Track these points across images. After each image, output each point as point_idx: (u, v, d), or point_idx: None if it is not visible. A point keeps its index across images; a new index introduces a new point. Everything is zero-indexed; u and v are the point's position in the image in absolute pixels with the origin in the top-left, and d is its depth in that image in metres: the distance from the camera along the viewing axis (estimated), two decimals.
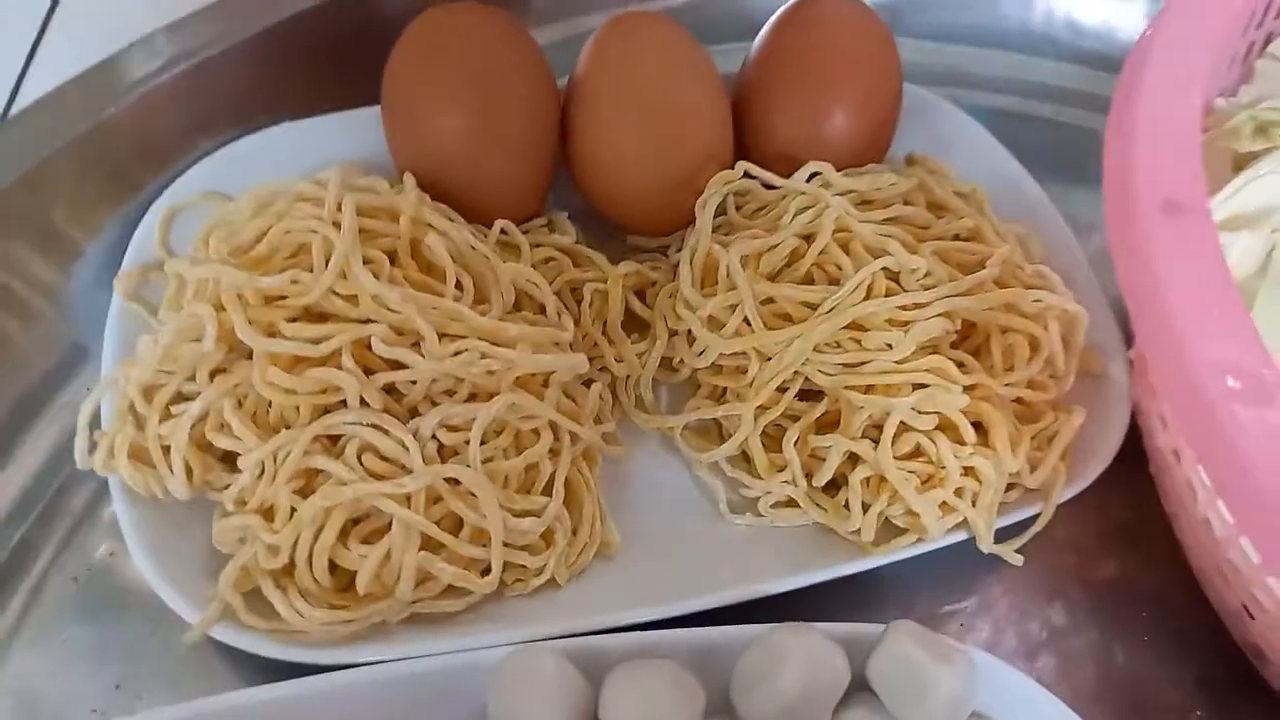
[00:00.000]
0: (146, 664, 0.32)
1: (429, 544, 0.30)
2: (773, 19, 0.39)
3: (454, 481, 0.30)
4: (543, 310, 0.35)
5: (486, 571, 0.30)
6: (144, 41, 0.42)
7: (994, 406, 0.32)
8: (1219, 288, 0.25)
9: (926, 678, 0.25)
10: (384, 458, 0.30)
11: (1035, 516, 0.33)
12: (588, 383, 0.35)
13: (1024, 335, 0.33)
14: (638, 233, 0.39)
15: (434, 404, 0.31)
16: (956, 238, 0.36)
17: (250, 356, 0.30)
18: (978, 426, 0.32)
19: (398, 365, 0.30)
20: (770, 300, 0.34)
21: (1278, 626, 0.28)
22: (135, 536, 0.30)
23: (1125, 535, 0.35)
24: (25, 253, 0.38)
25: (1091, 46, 0.50)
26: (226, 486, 0.31)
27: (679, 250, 0.37)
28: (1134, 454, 0.33)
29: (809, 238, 0.34)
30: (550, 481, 0.32)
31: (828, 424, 0.33)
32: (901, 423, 0.32)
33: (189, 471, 0.31)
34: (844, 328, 0.32)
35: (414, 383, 0.31)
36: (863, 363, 0.32)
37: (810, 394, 0.34)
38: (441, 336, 0.31)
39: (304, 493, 0.30)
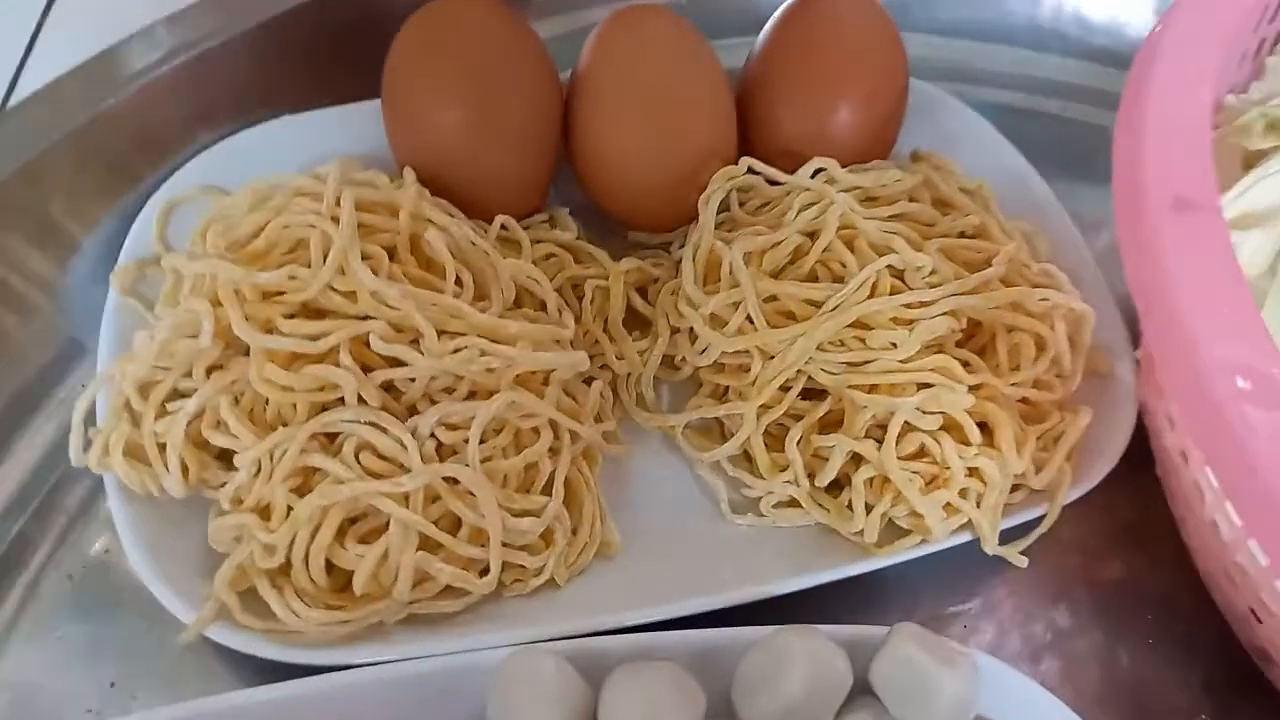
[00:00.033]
0: (142, 663, 0.31)
1: (427, 544, 0.29)
2: (778, 13, 0.39)
3: (453, 480, 0.30)
4: (543, 307, 0.35)
5: (485, 572, 0.30)
6: (143, 33, 0.42)
7: (999, 406, 0.32)
8: (1230, 286, 0.24)
9: (930, 681, 0.25)
10: (382, 456, 0.30)
11: (1040, 518, 0.32)
12: (588, 380, 0.34)
13: (1030, 334, 0.33)
14: (640, 229, 0.39)
15: (433, 402, 0.31)
16: (962, 235, 0.36)
17: (247, 353, 0.30)
18: (983, 427, 0.32)
19: (396, 362, 0.30)
20: (773, 298, 0.33)
21: None
22: (130, 535, 0.30)
23: (1131, 536, 0.35)
24: (22, 246, 0.38)
25: (1099, 42, 0.50)
26: (223, 484, 0.30)
27: (681, 247, 0.37)
28: (1140, 454, 0.33)
29: (813, 235, 0.34)
30: (550, 481, 0.32)
31: (831, 423, 0.33)
32: (906, 423, 0.31)
33: (185, 469, 0.30)
34: (848, 326, 0.32)
35: (413, 380, 0.30)
36: (867, 362, 0.32)
37: (813, 393, 0.33)
38: (441, 334, 0.31)
39: (301, 491, 0.29)
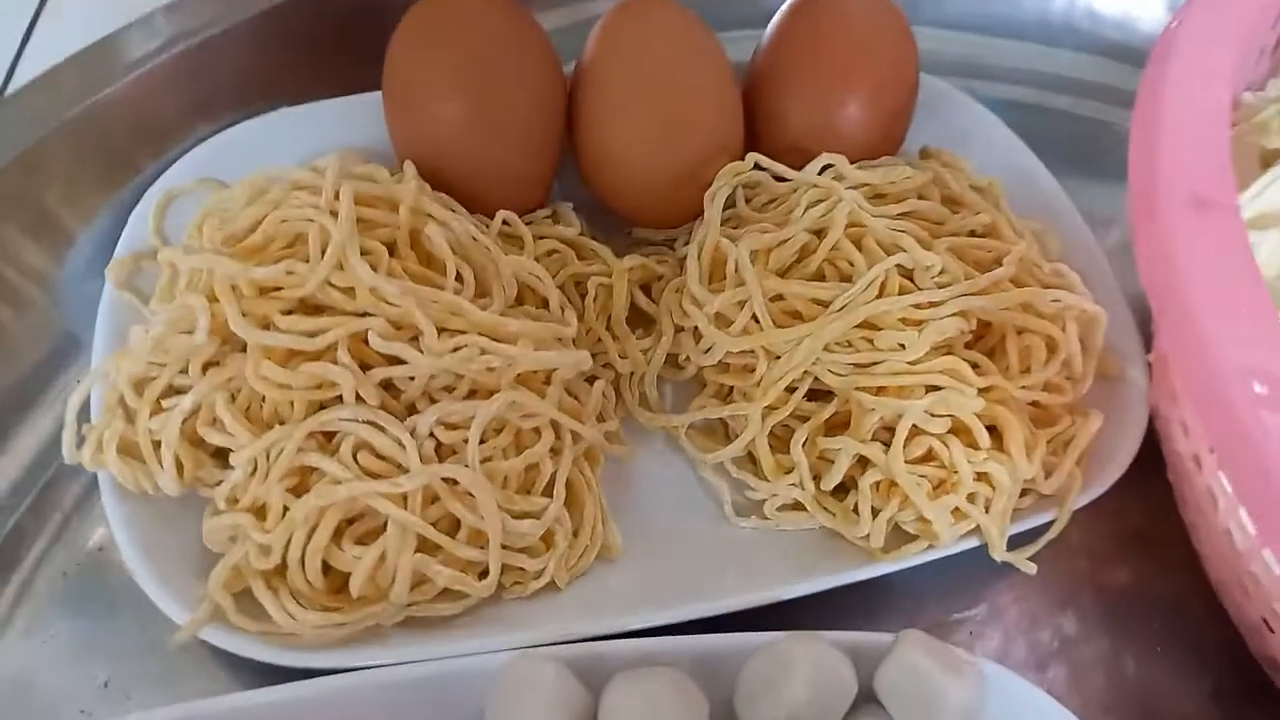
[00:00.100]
0: (136, 662, 0.31)
1: (425, 545, 0.29)
2: (786, 5, 0.38)
3: (452, 481, 0.29)
4: (545, 304, 0.34)
5: (484, 574, 0.30)
6: (142, 21, 0.42)
7: (1009, 410, 0.31)
8: (1247, 288, 0.24)
9: (935, 690, 0.25)
10: (380, 456, 0.29)
11: (1049, 523, 0.32)
12: (591, 379, 0.34)
13: (1041, 336, 0.33)
14: (644, 225, 0.38)
15: (432, 401, 0.30)
16: (972, 234, 0.35)
17: (244, 349, 0.30)
18: (992, 430, 0.32)
19: (395, 360, 0.30)
20: (780, 297, 0.33)
21: None
22: (125, 533, 0.30)
23: (1140, 542, 0.35)
24: (18, 238, 0.38)
25: (1111, 37, 0.50)
26: (219, 483, 0.30)
27: (686, 244, 0.36)
28: (1151, 458, 0.33)
29: (820, 232, 0.34)
30: (551, 482, 0.31)
31: (837, 425, 0.33)
32: (914, 426, 0.31)
33: (180, 467, 0.30)
34: (855, 326, 0.32)
35: (412, 379, 0.30)
36: (874, 363, 0.32)
37: (819, 394, 0.33)
38: (441, 331, 0.30)
39: (297, 491, 0.29)
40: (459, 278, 0.32)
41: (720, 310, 0.33)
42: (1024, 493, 0.32)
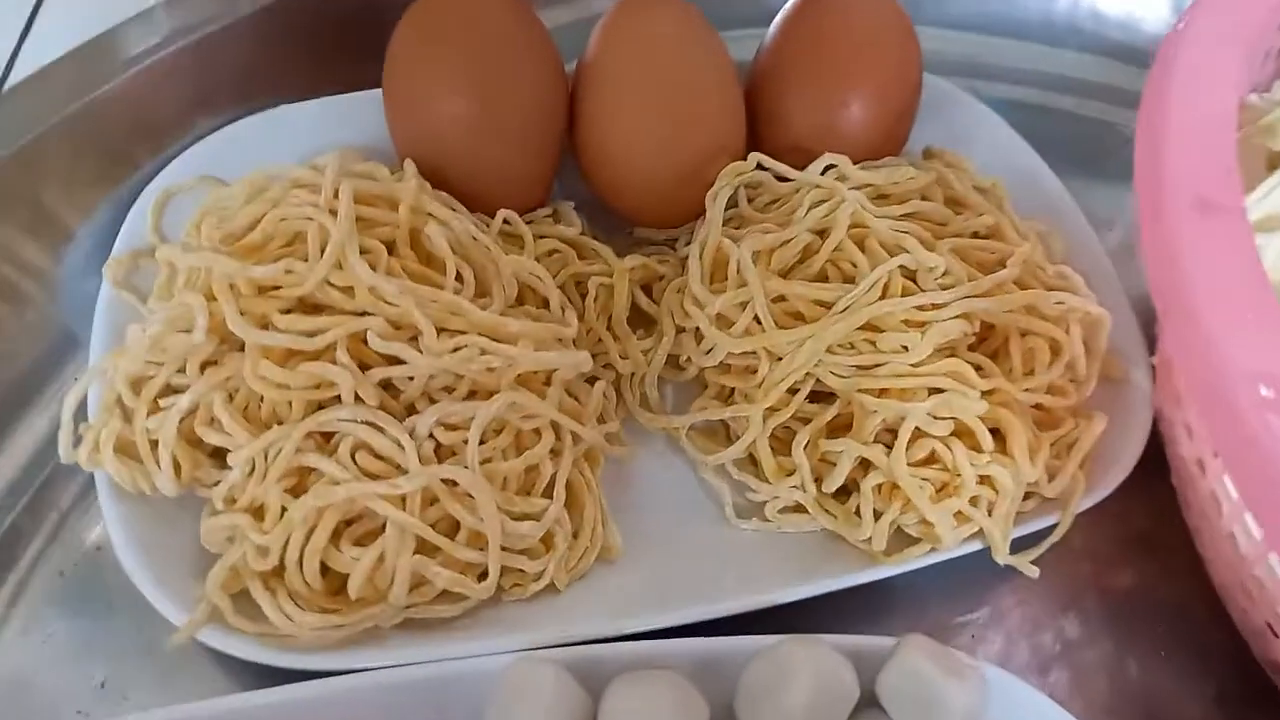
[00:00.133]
0: (133, 663, 0.31)
1: (424, 547, 0.29)
2: (789, 4, 0.38)
3: (451, 482, 0.29)
4: (546, 304, 0.34)
5: (484, 576, 0.29)
6: (142, 16, 0.42)
7: (1013, 413, 0.31)
8: (1254, 291, 0.24)
9: (938, 694, 0.25)
10: (379, 457, 0.29)
11: (1052, 526, 0.32)
12: (591, 380, 0.34)
13: (1045, 338, 0.33)
14: (645, 224, 0.38)
15: (432, 401, 0.30)
16: (976, 235, 0.35)
17: (242, 348, 0.30)
18: (995, 433, 0.31)
19: (394, 360, 0.30)
20: (782, 298, 0.33)
21: None
22: (121, 533, 0.30)
23: (1144, 544, 0.34)
24: (15, 235, 0.37)
25: (1115, 37, 0.50)
26: (216, 483, 0.30)
27: (688, 244, 0.36)
28: (1155, 461, 0.33)
29: (823, 233, 0.34)
30: (551, 483, 0.31)
31: (839, 428, 0.32)
32: (916, 428, 0.31)
33: (177, 467, 0.30)
34: (858, 328, 0.32)
35: (411, 379, 0.30)
36: (877, 365, 0.31)
37: (821, 396, 0.33)
38: (440, 331, 0.30)
39: (295, 492, 0.29)
40: (459, 277, 0.32)
41: (722, 311, 0.33)
42: (1027, 496, 0.32)
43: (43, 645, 0.31)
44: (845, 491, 0.32)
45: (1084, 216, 0.38)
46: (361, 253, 0.30)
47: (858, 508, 0.31)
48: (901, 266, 0.32)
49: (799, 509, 0.32)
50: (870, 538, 0.31)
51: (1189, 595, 0.33)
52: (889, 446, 0.31)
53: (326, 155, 0.33)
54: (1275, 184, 0.30)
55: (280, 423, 0.30)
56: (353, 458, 0.29)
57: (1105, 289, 0.35)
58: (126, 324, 0.32)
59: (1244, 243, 0.25)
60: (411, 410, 0.30)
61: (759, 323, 0.32)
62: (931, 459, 0.31)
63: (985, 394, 0.31)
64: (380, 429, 0.29)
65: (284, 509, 0.29)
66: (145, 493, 0.30)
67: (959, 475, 0.31)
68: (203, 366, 0.30)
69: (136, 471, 0.30)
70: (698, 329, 0.34)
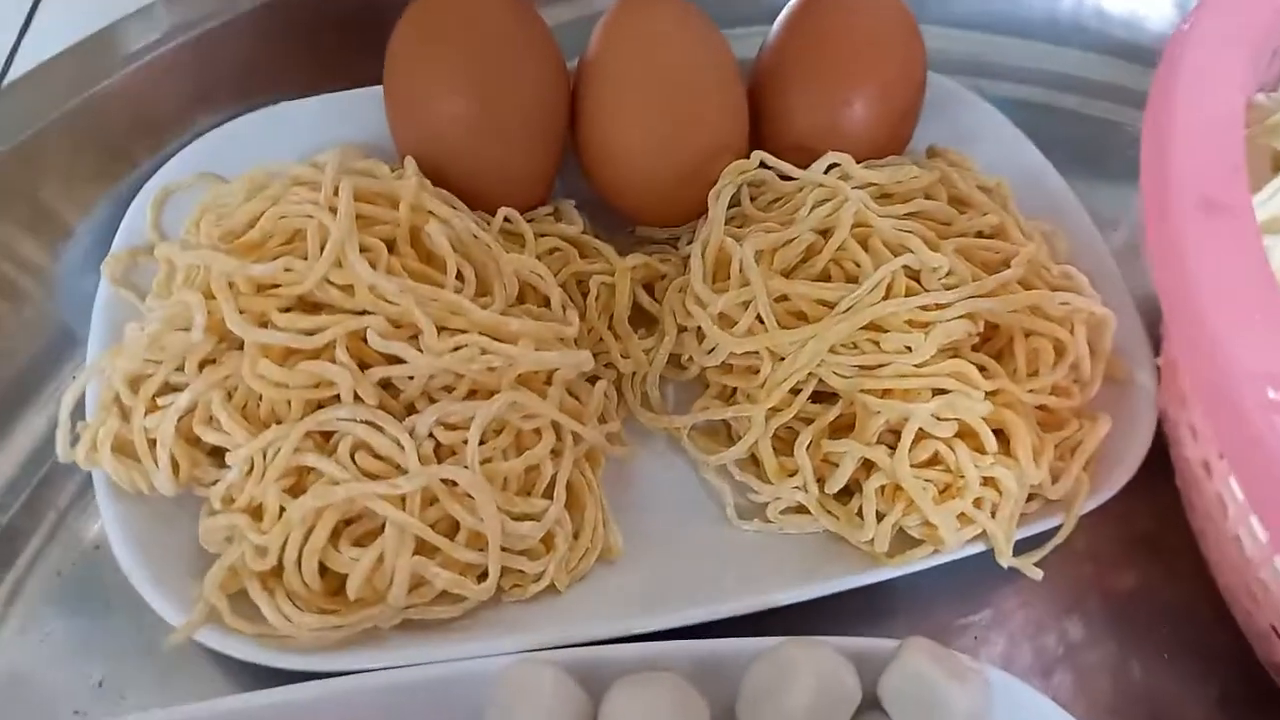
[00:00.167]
0: (131, 663, 0.31)
1: (424, 548, 0.29)
2: (792, 1, 0.38)
3: (451, 483, 0.29)
4: (547, 303, 0.34)
5: (483, 577, 0.29)
6: (142, 13, 0.42)
7: (1017, 414, 0.31)
8: (1261, 292, 0.24)
9: (940, 697, 0.25)
10: (378, 456, 0.29)
11: (1055, 528, 0.32)
12: (592, 379, 0.34)
13: (1049, 339, 0.32)
14: (647, 223, 0.38)
15: (432, 401, 0.30)
16: (980, 235, 0.35)
17: (241, 347, 0.29)
18: (999, 434, 0.31)
19: (394, 360, 0.29)
20: (784, 298, 0.33)
21: None
22: (119, 533, 0.29)
23: (1148, 546, 0.34)
24: (14, 231, 0.37)
25: (1120, 36, 0.49)
26: (215, 482, 0.30)
27: (690, 242, 0.36)
28: (1159, 461, 0.33)
29: (826, 232, 0.34)
30: (551, 484, 0.31)
31: (842, 428, 0.32)
32: (920, 429, 0.31)
33: (176, 466, 0.30)
34: (861, 328, 0.31)
35: (411, 378, 0.30)
36: (880, 365, 0.31)
37: (824, 396, 0.33)
38: (440, 330, 0.30)
39: (294, 491, 0.29)
40: (459, 276, 0.32)
41: (724, 310, 0.33)
42: (1030, 497, 0.32)
43: (40, 644, 0.31)
44: (847, 492, 0.32)
45: (1088, 216, 0.38)
46: (361, 251, 0.30)
47: (860, 509, 0.31)
48: (905, 266, 0.32)
49: (801, 510, 0.32)
50: (873, 539, 0.31)
51: (1193, 597, 0.33)
52: (892, 447, 0.31)
53: (327, 152, 0.33)
54: None
55: (279, 422, 0.29)
56: (352, 457, 0.29)
57: (1109, 289, 0.35)
58: (125, 322, 0.32)
59: (1251, 243, 0.24)
60: (411, 410, 0.30)
61: (761, 322, 0.32)
62: (935, 460, 0.31)
63: (989, 395, 0.31)
64: (380, 428, 0.29)
65: (282, 509, 0.28)
66: (143, 492, 0.30)
67: (962, 477, 0.30)
68: (201, 365, 0.30)
69: (134, 470, 0.30)
70: (700, 328, 0.33)
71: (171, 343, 0.30)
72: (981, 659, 0.27)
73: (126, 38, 0.40)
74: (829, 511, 0.32)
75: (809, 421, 0.32)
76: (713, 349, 0.33)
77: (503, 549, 0.29)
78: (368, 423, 0.29)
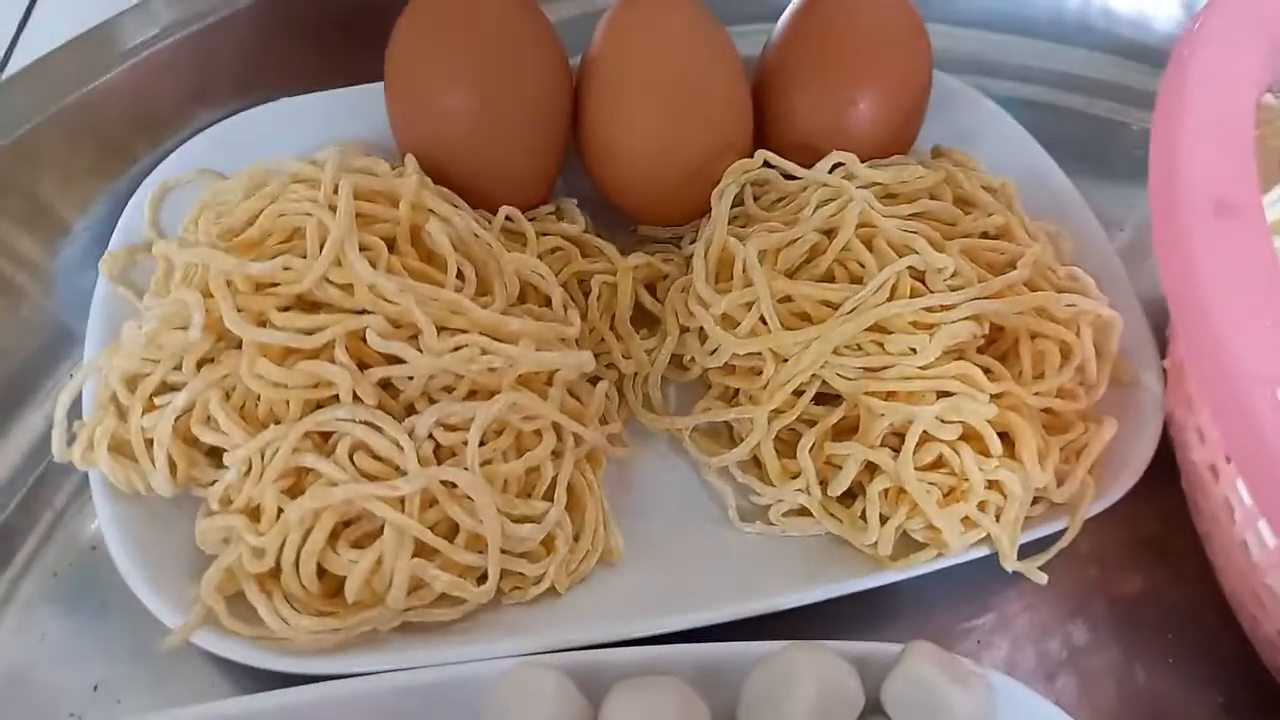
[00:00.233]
0: (127, 665, 0.31)
1: (423, 550, 0.29)
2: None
3: (450, 484, 0.29)
4: (548, 302, 0.34)
5: (483, 579, 0.29)
6: (141, 7, 0.42)
7: (1022, 417, 0.31)
8: (1270, 294, 0.23)
9: (943, 702, 0.25)
10: (377, 457, 0.29)
11: (1060, 532, 0.31)
12: (593, 380, 0.33)
13: (1055, 341, 0.32)
14: (650, 222, 0.38)
15: (431, 401, 0.30)
16: (985, 235, 0.35)
17: (239, 346, 0.29)
18: (1004, 437, 0.31)
19: (394, 360, 0.29)
20: (788, 298, 0.32)
21: None
22: (116, 533, 0.29)
23: (1153, 550, 0.34)
24: (11, 228, 0.37)
25: (1126, 35, 0.49)
26: (213, 483, 0.29)
27: (692, 242, 0.36)
28: (1165, 464, 0.32)
29: (830, 232, 0.33)
30: (552, 485, 0.31)
31: (845, 430, 0.32)
32: (924, 432, 0.30)
33: (173, 466, 0.29)
34: (865, 330, 0.31)
35: (410, 379, 0.29)
36: (884, 367, 0.31)
37: (828, 398, 0.32)
38: (441, 330, 0.30)
39: (292, 492, 0.28)
40: (460, 275, 0.32)
41: (727, 311, 0.32)
42: (1035, 500, 0.31)
43: (37, 645, 0.31)
44: (851, 495, 0.32)
45: (1094, 216, 0.38)
46: (361, 250, 0.30)
47: (863, 512, 0.31)
48: (910, 267, 0.32)
49: (803, 512, 0.32)
50: (876, 542, 0.31)
51: (1198, 602, 0.32)
52: (896, 450, 0.31)
53: (326, 150, 0.33)
54: None
55: (277, 422, 0.29)
56: (351, 458, 0.29)
57: (1115, 290, 0.35)
58: (123, 320, 0.32)
59: (1260, 245, 0.24)
60: (411, 410, 0.30)
61: (764, 323, 0.32)
62: (939, 463, 0.31)
63: (994, 397, 0.31)
64: (379, 429, 0.29)
65: (280, 510, 0.28)
66: (140, 492, 0.30)
67: (967, 480, 0.30)
68: (199, 364, 0.30)
69: (131, 470, 0.30)
70: (702, 329, 0.33)
71: (169, 341, 0.30)
72: (985, 663, 0.27)
73: (125, 33, 0.40)
74: (832, 514, 0.32)
75: (812, 423, 0.32)
76: (715, 350, 0.33)
77: (503, 551, 0.29)
78: (367, 423, 0.29)
